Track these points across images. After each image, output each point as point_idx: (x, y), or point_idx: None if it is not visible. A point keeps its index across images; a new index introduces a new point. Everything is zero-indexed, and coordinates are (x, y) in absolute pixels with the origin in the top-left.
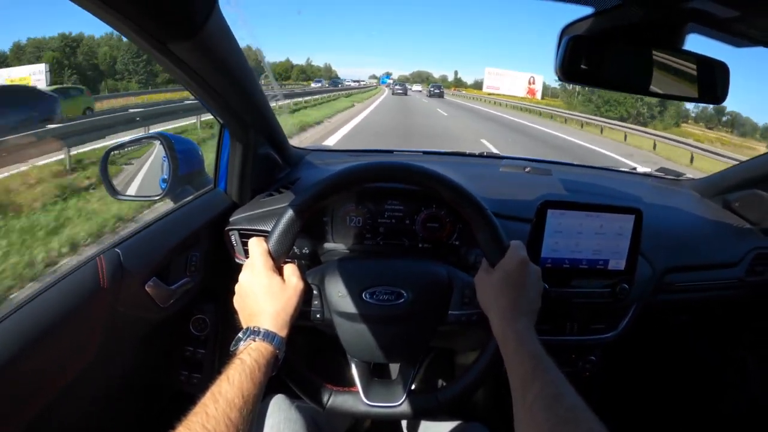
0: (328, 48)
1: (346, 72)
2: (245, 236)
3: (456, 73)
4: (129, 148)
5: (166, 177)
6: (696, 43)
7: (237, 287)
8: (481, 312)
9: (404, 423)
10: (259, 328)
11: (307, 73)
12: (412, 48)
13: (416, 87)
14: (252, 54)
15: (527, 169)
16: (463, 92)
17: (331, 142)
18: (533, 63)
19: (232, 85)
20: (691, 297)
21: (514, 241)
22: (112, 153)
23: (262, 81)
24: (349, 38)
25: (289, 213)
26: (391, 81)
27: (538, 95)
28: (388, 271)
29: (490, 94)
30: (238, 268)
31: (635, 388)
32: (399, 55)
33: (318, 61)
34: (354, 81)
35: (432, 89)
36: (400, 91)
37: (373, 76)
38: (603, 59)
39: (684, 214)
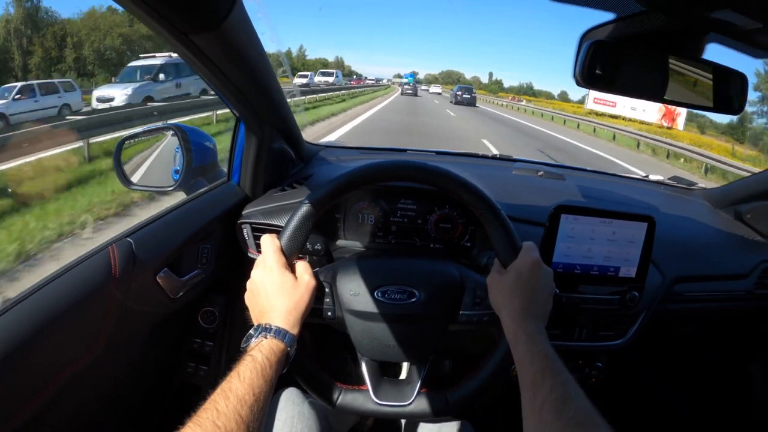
0: (354, 46)
1: (373, 70)
2: (258, 230)
3: (491, 75)
4: (143, 138)
5: (178, 168)
6: (713, 52)
7: (249, 284)
8: (492, 313)
9: (405, 423)
10: (270, 326)
11: (296, 66)
12: (441, 47)
13: (434, 88)
14: (271, 49)
15: (540, 173)
16: (525, 102)
17: None
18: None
19: (250, 78)
20: (700, 307)
21: (527, 242)
22: (126, 142)
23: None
24: (375, 36)
25: (304, 209)
26: (405, 81)
27: (680, 123)
28: (400, 270)
29: (597, 114)
30: (250, 261)
31: (641, 396)
32: (428, 54)
33: (328, 55)
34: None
35: (458, 93)
36: (410, 92)
37: (398, 75)
38: (622, 65)
39: (695, 223)
